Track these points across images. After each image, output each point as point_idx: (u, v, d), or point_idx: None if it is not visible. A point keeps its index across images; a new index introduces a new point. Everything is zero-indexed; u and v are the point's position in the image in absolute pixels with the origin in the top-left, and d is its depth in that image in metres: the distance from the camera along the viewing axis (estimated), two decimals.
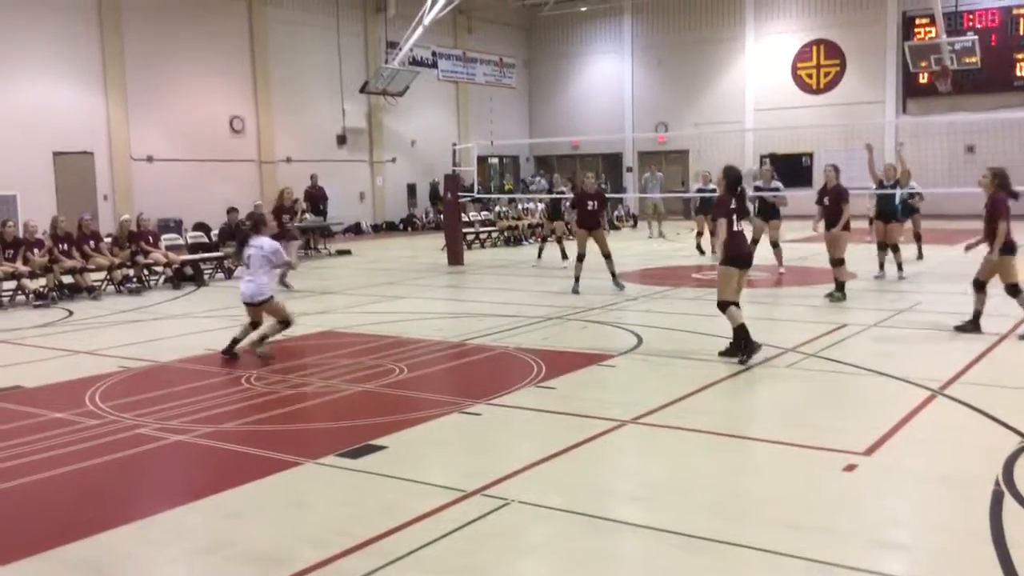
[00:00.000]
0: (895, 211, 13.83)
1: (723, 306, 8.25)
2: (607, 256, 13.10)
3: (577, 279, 13.08)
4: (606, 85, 33.99)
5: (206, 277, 16.24)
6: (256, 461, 5.73)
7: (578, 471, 5.46)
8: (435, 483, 5.22)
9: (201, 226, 18.18)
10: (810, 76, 30.22)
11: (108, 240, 15.51)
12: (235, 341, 8.87)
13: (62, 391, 7.85)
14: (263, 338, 8.83)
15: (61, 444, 6.15)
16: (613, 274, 13.19)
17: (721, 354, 8.35)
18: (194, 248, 17.01)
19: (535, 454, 5.67)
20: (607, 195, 14.96)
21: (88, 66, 21.48)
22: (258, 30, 25.32)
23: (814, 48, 30.07)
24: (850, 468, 5.28)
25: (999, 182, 9.29)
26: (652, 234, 24.12)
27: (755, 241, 14.22)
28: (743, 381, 7.67)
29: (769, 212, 14.55)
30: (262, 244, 8.84)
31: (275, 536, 4.60)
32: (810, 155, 29.10)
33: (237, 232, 7.91)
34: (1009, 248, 9.12)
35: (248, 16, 25.14)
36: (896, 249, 13.66)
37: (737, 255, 8.25)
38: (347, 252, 21.73)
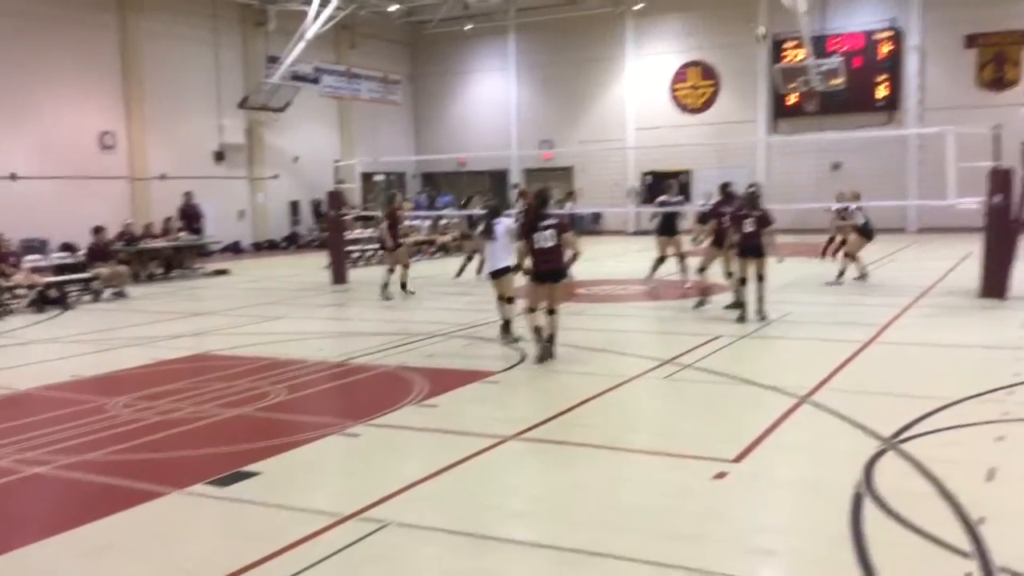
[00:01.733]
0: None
1: (528, 310, 9.30)
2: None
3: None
4: (492, 102, 34.23)
5: (72, 300, 15.45)
6: (119, 492, 5.45)
7: (459, 490, 5.42)
8: (309, 508, 5.08)
9: (67, 246, 17.32)
10: (686, 96, 31.22)
11: None
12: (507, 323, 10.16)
13: None
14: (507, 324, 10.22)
15: None
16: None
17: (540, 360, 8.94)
18: (59, 269, 16.21)
19: (415, 474, 5.59)
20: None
21: None
22: (131, 43, 24.36)
23: (690, 70, 31.10)
24: (720, 476, 5.43)
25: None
26: None
27: (662, 258, 14.74)
28: (622, 394, 7.79)
29: (671, 227, 14.86)
30: (501, 220, 10.18)
31: (138, 571, 4.38)
32: (688, 172, 30.02)
33: (486, 214, 10.40)
34: (751, 251, 11.28)
35: (119, 28, 24.17)
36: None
37: (536, 271, 9.11)
38: (224, 272, 21.05)
